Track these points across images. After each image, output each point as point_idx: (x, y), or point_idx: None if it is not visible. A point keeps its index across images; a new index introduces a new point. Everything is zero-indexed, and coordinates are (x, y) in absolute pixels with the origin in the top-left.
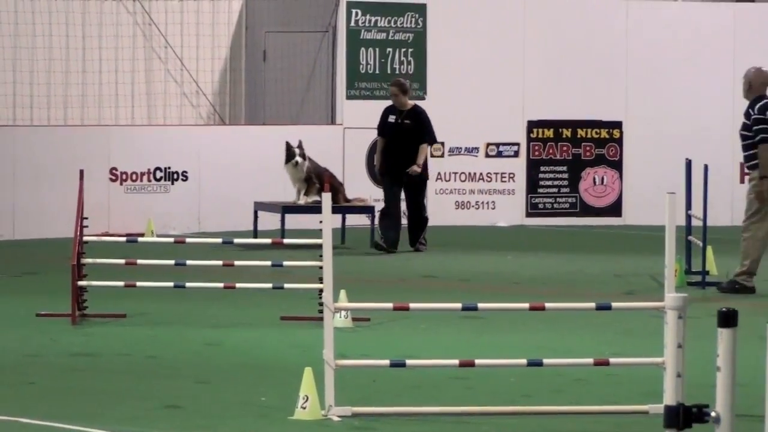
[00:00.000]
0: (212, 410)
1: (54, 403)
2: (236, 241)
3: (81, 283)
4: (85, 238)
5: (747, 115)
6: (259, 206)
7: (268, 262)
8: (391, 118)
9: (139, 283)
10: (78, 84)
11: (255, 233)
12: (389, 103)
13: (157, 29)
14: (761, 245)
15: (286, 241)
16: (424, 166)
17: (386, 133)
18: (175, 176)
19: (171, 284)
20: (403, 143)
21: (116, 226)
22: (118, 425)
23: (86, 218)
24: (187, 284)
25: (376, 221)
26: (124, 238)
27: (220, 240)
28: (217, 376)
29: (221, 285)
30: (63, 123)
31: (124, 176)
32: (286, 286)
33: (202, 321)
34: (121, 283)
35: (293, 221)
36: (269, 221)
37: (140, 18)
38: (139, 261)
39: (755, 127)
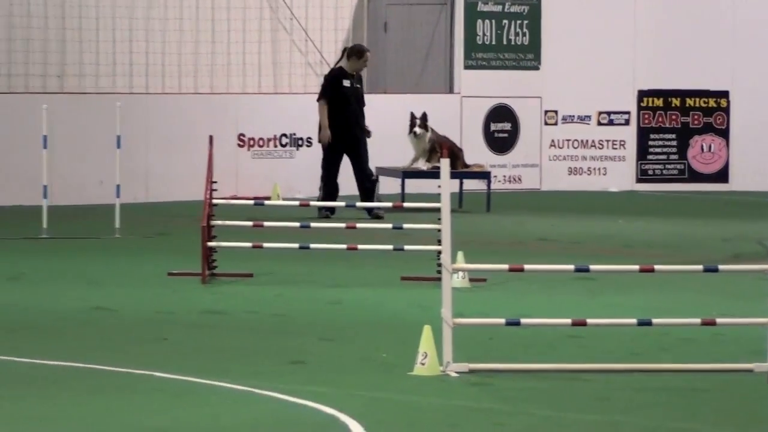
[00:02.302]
0: (335, 366)
1: (185, 358)
2: (358, 204)
3: (210, 243)
4: (214, 201)
5: None
6: (381, 171)
7: (389, 225)
8: (346, 83)
9: (265, 244)
10: (207, 54)
11: (377, 196)
12: None
13: (282, 2)
14: None
15: (406, 204)
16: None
17: (343, 98)
18: (300, 142)
19: (296, 245)
20: (358, 106)
21: (244, 190)
22: (246, 380)
23: (215, 182)
24: (312, 245)
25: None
26: (251, 201)
27: (343, 203)
28: (340, 334)
29: (344, 246)
30: (193, 91)
31: (251, 142)
32: (406, 247)
33: (325, 281)
34: (249, 244)
35: (413, 186)
36: (390, 186)
37: None
38: (266, 223)
39: None
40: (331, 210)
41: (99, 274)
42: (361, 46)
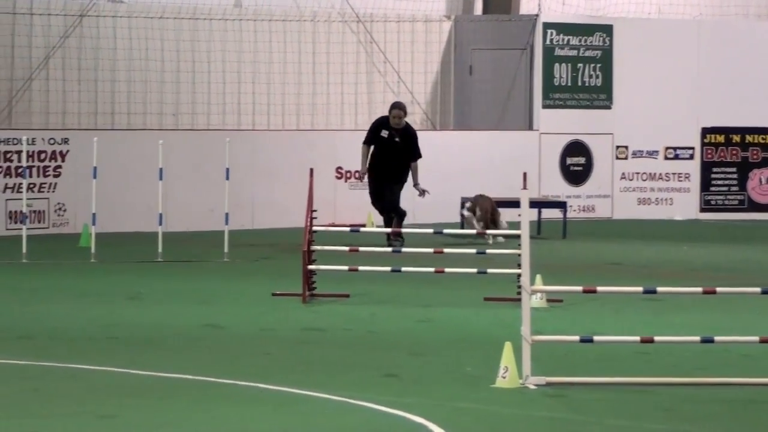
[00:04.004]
0: (424, 379)
1: (287, 371)
2: (445, 231)
3: (310, 267)
4: (314, 228)
5: None
6: (466, 201)
7: (473, 250)
8: (384, 133)
9: (360, 268)
10: (309, 94)
11: (462, 224)
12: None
13: (377, 47)
14: None
15: (489, 231)
16: (406, 172)
17: (378, 147)
18: None
19: (388, 269)
20: (392, 158)
21: (341, 218)
22: (343, 391)
23: (315, 210)
24: (403, 269)
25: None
26: (347, 228)
27: (431, 230)
28: (429, 349)
29: (432, 269)
30: (295, 128)
31: (348, 174)
32: (488, 271)
33: (415, 301)
34: (345, 267)
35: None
36: None
37: (362, 37)
38: (361, 248)
39: None
40: (396, 236)
41: (209, 294)
42: (395, 102)
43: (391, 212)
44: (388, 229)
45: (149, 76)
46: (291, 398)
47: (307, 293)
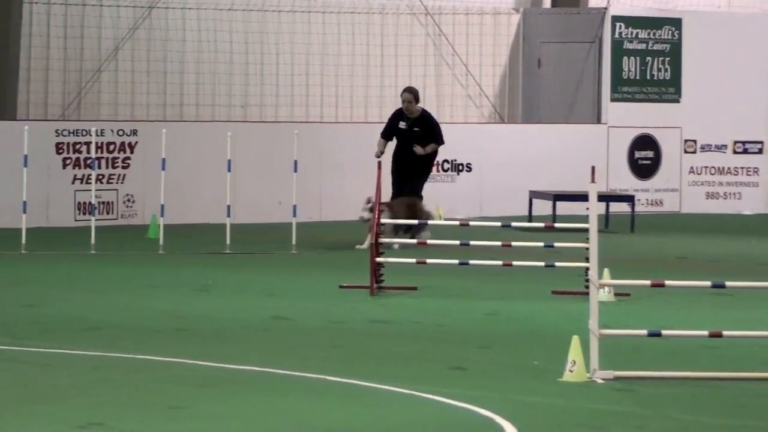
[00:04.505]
0: (492, 372)
1: (355, 364)
2: (513, 224)
3: (379, 259)
4: (382, 221)
5: None
6: (534, 194)
7: (541, 243)
8: (401, 125)
9: (428, 260)
10: (377, 86)
11: (530, 218)
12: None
13: (445, 39)
14: None
15: (557, 225)
16: (429, 161)
17: (397, 139)
18: (461, 167)
19: (456, 261)
20: (411, 149)
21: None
22: (410, 384)
23: (383, 203)
24: (471, 261)
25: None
26: (416, 222)
27: (499, 224)
28: (497, 342)
29: (500, 263)
30: (363, 120)
31: None
32: (556, 264)
33: (483, 294)
34: (413, 260)
35: (563, 207)
36: (542, 207)
37: (431, 30)
38: (429, 241)
39: None
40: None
41: (277, 286)
42: (405, 87)
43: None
44: (416, 221)
45: (218, 67)
46: (358, 391)
47: (375, 286)
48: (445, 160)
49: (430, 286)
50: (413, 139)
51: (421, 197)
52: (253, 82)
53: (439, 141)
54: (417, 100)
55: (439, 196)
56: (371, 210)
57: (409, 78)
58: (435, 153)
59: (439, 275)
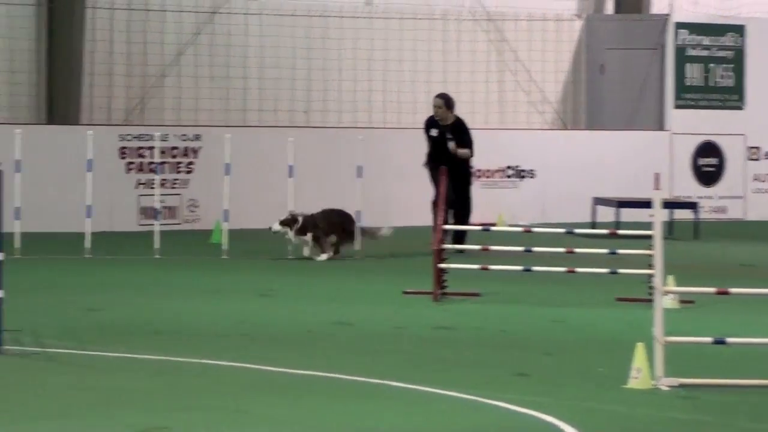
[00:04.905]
0: (555, 378)
1: (418, 369)
2: (576, 231)
3: (442, 265)
4: (445, 227)
5: None
6: (597, 201)
7: (605, 250)
8: (433, 132)
9: (491, 267)
10: (439, 92)
11: (593, 224)
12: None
13: (508, 45)
14: None
15: (620, 231)
16: (469, 170)
17: (431, 147)
18: (523, 174)
19: (520, 268)
20: (446, 156)
21: (472, 217)
22: (473, 390)
23: (447, 209)
24: (534, 268)
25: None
26: (479, 227)
27: (562, 230)
28: (560, 349)
29: (563, 269)
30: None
31: (479, 173)
32: (620, 271)
33: (546, 300)
34: (477, 266)
35: (627, 214)
36: (605, 214)
37: (493, 36)
38: (492, 247)
39: None
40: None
41: (340, 291)
42: (437, 94)
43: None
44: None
45: (280, 73)
46: (422, 396)
47: (439, 292)
48: (509, 167)
49: (494, 293)
50: (446, 148)
51: (469, 208)
52: (315, 88)
53: (471, 149)
54: (449, 106)
55: (503, 202)
56: (282, 224)
57: (472, 84)
58: (469, 160)
59: (503, 281)
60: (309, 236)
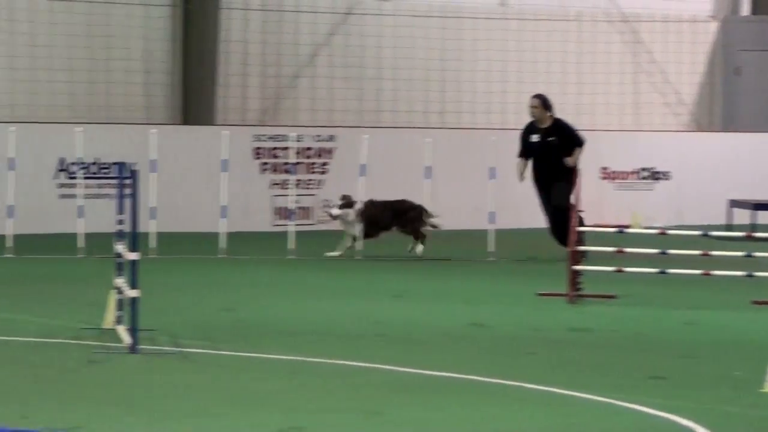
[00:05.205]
0: (692, 382)
1: (552, 371)
2: (712, 233)
3: (576, 267)
4: (580, 228)
5: None
6: (733, 203)
7: (741, 253)
8: (534, 137)
9: (626, 269)
10: (573, 94)
11: (728, 227)
12: None
13: (643, 47)
14: None
15: (756, 234)
16: (572, 169)
17: (533, 154)
18: (658, 175)
19: (655, 270)
20: (551, 160)
21: (606, 218)
22: (608, 392)
23: (582, 211)
24: (669, 270)
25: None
26: (613, 229)
27: (698, 232)
28: (696, 352)
29: (699, 272)
30: None
31: (613, 175)
32: (756, 274)
33: (682, 303)
34: (612, 268)
35: (763, 217)
36: (741, 216)
37: (628, 37)
38: (627, 249)
39: None
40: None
41: (473, 293)
42: (536, 94)
43: (557, 215)
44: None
45: (414, 74)
46: (556, 399)
47: (573, 293)
48: (643, 168)
49: (629, 295)
50: (550, 150)
51: (570, 205)
52: (449, 89)
53: (580, 141)
54: (546, 106)
55: (638, 204)
56: (340, 207)
57: (606, 86)
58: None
59: (638, 284)
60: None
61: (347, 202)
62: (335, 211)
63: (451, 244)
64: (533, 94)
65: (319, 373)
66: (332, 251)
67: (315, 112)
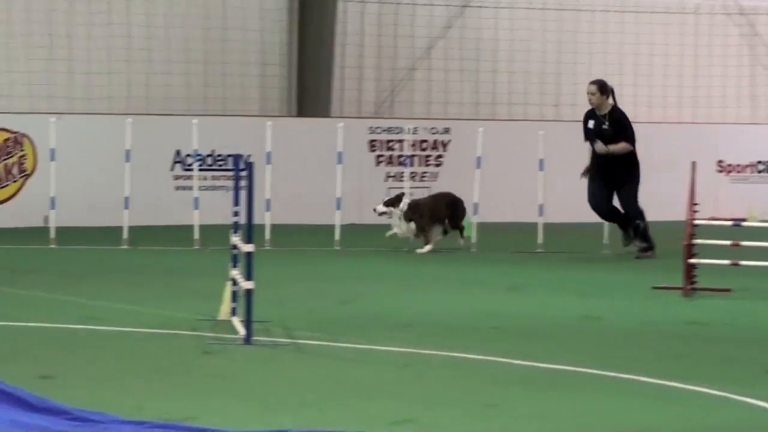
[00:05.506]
0: None
1: (667, 365)
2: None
3: (692, 260)
4: (695, 222)
5: None
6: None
7: None
8: (591, 124)
9: (742, 262)
10: (690, 87)
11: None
12: None
13: (760, 40)
14: None
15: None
16: (634, 165)
17: (588, 138)
18: None
19: None
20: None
21: (722, 212)
22: (723, 386)
23: (697, 204)
24: None
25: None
26: (729, 222)
27: None
28: None
29: None
30: (677, 120)
31: (729, 168)
32: None
33: None
34: (727, 262)
35: None
36: None
37: (746, 30)
38: (743, 242)
39: None
40: (628, 237)
41: (587, 285)
42: (595, 79)
43: (630, 215)
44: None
45: (530, 66)
46: (671, 392)
47: (689, 287)
48: (759, 161)
49: (745, 288)
50: (604, 139)
51: (635, 212)
52: (565, 82)
53: (631, 141)
54: (604, 92)
55: (754, 197)
56: (387, 204)
57: (723, 78)
58: (635, 155)
59: (754, 277)
60: (412, 225)
61: (391, 200)
62: (380, 208)
63: (565, 237)
64: (590, 80)
65: (434, 365)
66: (421, 248)
67: (430, 105)
